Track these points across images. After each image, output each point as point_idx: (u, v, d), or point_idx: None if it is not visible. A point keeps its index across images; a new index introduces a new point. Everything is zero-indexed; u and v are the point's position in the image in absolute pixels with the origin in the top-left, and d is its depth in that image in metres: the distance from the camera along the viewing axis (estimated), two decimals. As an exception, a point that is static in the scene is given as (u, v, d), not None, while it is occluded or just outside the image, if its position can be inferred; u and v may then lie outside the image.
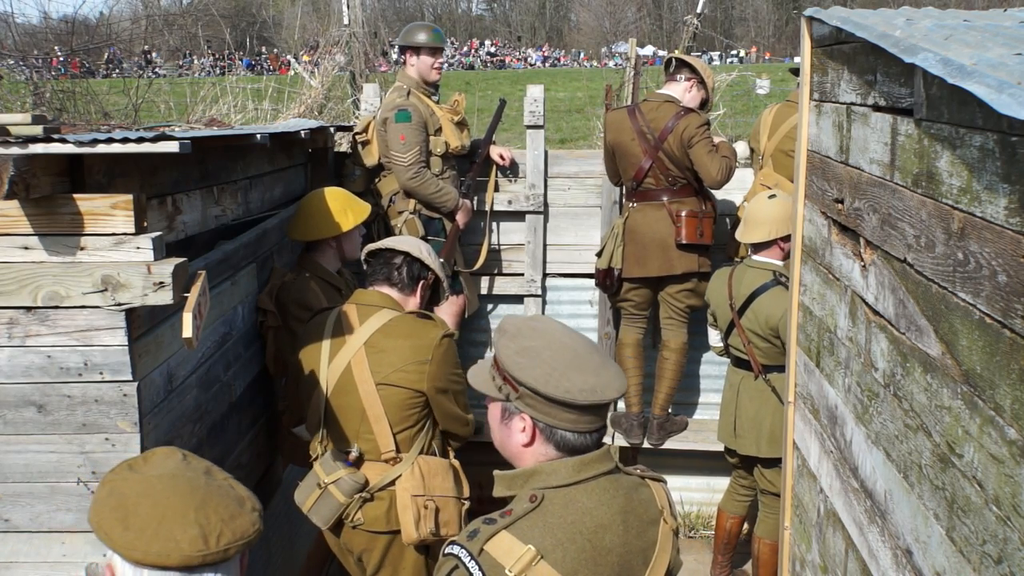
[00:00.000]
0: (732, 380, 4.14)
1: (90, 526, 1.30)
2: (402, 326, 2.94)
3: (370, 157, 4.61)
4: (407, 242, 3.12)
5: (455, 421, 3.02)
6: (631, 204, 4.63)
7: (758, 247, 4.01)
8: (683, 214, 4.43)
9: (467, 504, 3.07)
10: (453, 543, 1.60)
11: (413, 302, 3.07)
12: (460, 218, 4.62)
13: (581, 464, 1.64)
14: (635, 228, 4.54)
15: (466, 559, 1.55)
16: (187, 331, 2.15)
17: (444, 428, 3.04)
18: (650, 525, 1.70)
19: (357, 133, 4.62)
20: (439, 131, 4.52)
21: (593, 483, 1.64)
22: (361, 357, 2.91)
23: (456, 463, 3.10)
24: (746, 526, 4.52)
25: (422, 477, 2.93)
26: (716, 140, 4.45)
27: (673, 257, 4.47)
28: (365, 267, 3.12)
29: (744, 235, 4.04)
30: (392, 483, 2.93)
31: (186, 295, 2.22)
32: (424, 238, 4.43)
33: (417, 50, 4.57)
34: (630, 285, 4.64)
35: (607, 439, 4.91)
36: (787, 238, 3.84)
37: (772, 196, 4.06)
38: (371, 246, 3.13)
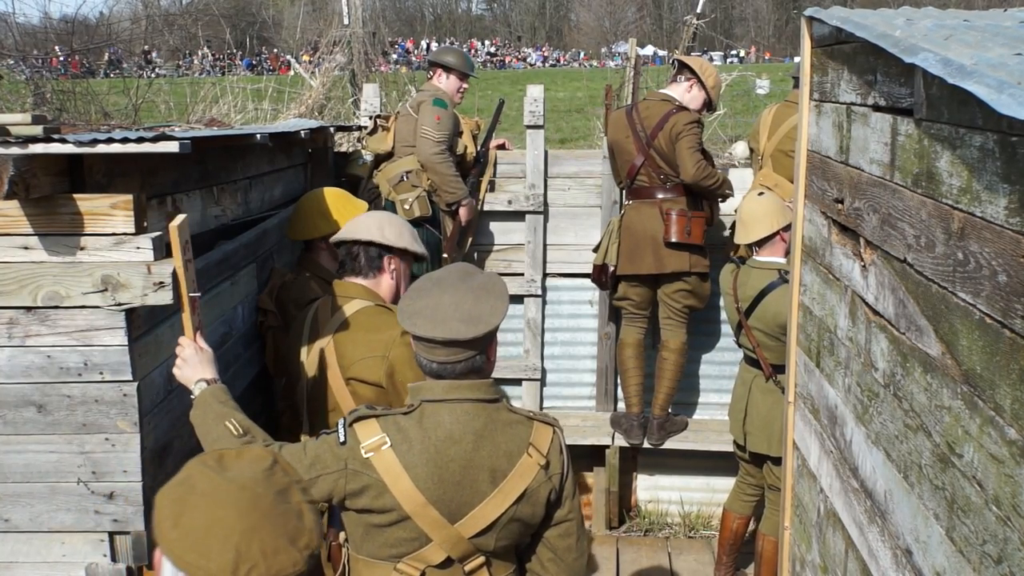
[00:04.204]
0: (744, 377, 4.15)
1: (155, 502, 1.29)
2: (363, 318, 2.86)
3: (384, 143, 4.69)
4: (360, 227, 2.98)
5: None
6: (628, 202, 4.67)
7: (761, 245, 3.99)
8: (673, 212, 4.44)
9: None
10: (343, 417, 2.07)
11: (386, 281, 2.97)
12: (463, 213, 4.69)
13: (450, 387, 2.02)
14: (629, 225, 4.56)
15: (341, 427, 2.02)
16: (184, 286, 2.12)
17: None
18: (507, 452, 2.02)
19: (379, 116, 4.76)
20: (460, 134, 4.74)
21: (459, 405, 2.01)
22: (331, 349, 2.87)
23: None
24: (751, 526, 4.51)
25: None
26: (718, 173, 4.47)
27: (664, 255, 4.48)
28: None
29: (746, 236, 4.01)
30: None
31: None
32: (429, 218, 4.56)
33: (448, 70, 4.81)
34: (627, 284, 4.65)
35: (608, 439, 4.94)
36: (788, 227, 3.81)
37: (761, 193, 4.07)
38: (334, 239, 3.06)
